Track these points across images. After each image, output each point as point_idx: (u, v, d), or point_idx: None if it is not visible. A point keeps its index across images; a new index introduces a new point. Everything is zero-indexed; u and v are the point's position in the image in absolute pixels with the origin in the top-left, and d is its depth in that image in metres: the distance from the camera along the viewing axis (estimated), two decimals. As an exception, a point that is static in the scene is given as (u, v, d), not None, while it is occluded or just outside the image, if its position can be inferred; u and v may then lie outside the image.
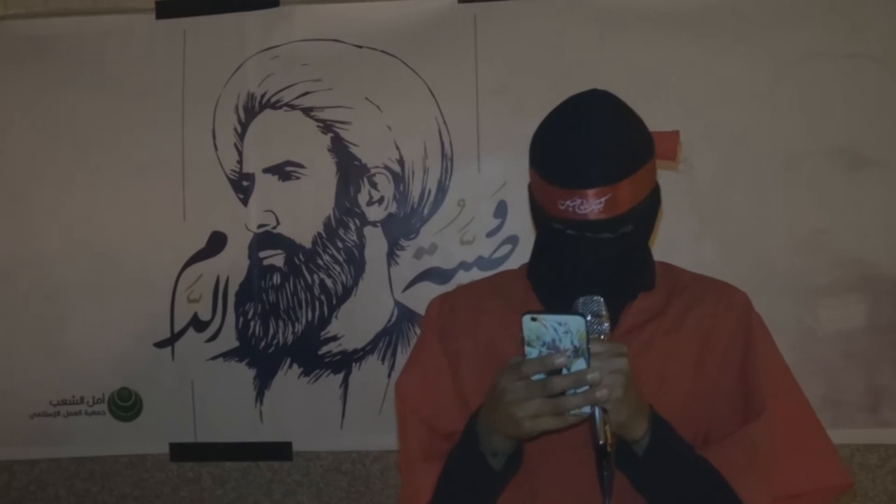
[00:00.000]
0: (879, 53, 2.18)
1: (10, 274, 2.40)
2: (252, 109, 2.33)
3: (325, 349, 2.34)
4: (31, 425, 2.42)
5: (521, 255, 2.21)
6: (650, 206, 1.31)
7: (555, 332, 1.09)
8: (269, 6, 2.35)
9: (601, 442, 1.10)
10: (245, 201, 2.34)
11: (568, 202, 1.23)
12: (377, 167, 2.31)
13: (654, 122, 2.19)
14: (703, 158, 2.23)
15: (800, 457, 1.29)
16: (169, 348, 2.38)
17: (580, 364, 1.09)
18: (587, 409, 1.10)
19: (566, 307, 1.17)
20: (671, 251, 2.19)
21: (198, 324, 2.37)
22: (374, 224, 2.32)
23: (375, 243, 2.32)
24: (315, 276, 2.32)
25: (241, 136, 2.34)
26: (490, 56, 2.28)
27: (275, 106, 2.33)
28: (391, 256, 2.31)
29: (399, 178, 2.30)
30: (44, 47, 2.39)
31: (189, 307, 2.36)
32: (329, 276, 2.32)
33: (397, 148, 2.30)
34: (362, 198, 2.31)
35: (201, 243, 2.35)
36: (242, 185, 2.34)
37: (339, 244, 2.31)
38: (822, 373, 2.21)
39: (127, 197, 2.37)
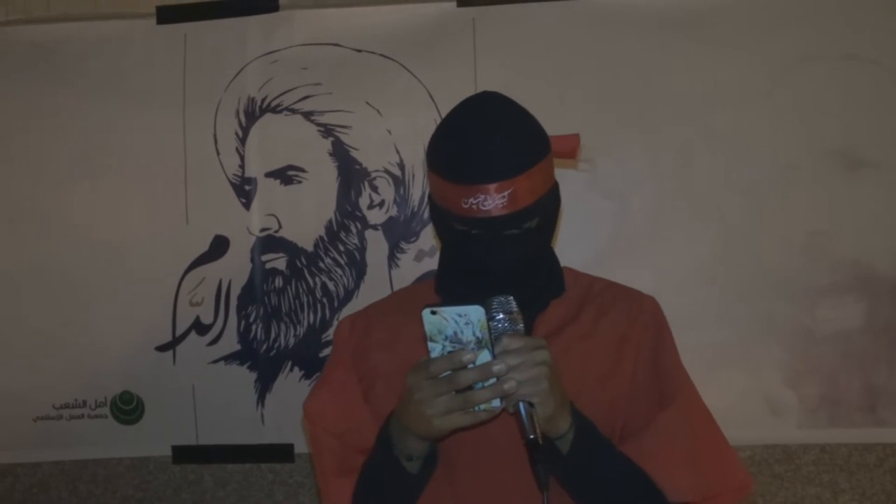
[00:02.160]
0: (876, 55, 2.19)
1: (12, 278, 2.41)
2: (253, 114, 2.34)
3: (326, 352, 2.35)
4: (35, 428, 2.43)
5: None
6: (551, 203, 1.34)
7: (456, 324, 1.09)
8: (269, 11, 2.36)
9: (532, 436, 1.10)
10: (247, 205, 2.35)
11: (472, 200, 1.24)
12: (378, 171, 2.32)
13: (652, 124, 2.22)
14: (700, 160, 2.24)
15: (705, 456, 1.32)
16: (170, 352, 2.39)
17: (485, 356, 1.10)
18: (497, 403, 1.11)
19: None
20: (668, 253, 2.22)
21: (200, 327, 2.37)
22: (375, 227, 2.33)
23: (376, 246, 2.33)
24: (317, 279, 2.34)
25: (243, 140, 2.35)
26: (489, 59, 2.29)
27: (275, 110, 2.34)
28: (392, 259, 2.33)
29: (399, 182, 2.31)
30: (45, 52, 2.39)
31: (191, 311, 2.37)
32: (331, 278, 2.33)
33: (397, 151, 2.31)
34: (363, 201, 2.32)
35: (204, 247, 2.36)
36: (244, 189, 2.35)
37: (341, 247, 2.33)
38: (820, 373, 2.22)
39: (129, 201, 2.37)
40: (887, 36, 2.20)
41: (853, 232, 2.21)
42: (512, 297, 1.17)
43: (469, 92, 2.21)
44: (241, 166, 2.35)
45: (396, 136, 2.31)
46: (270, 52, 2.35)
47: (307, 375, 2.36)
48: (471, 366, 1.10)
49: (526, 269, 1.31)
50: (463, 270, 1.35)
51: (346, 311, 2.33)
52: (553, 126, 1.88)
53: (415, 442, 1.21)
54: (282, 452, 2.39)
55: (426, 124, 2.29)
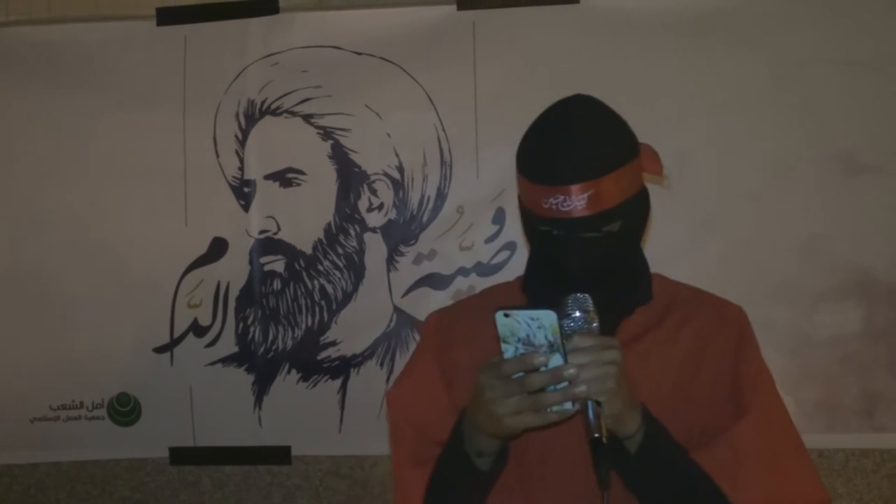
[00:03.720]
0: (877, 60, 2.20)
1: (11, 278, 2.41)
2: (252, 116, 2.35)
3: (323, 354, 2.35)
4: (32, 429, 2.43)
5: (519, 261, 2.22)
6: (637, 207, 1.33)
7: (528, 327, 1.10)
8: (269, 13, 2.36)
9: (596, 435, 1.11)
10: (246, 207, 2.35)
11: (552, 200, 1.25)
12: (377, 174, 2.32)
13: (653, 128, 2.20)
14: (700, 164, 2.24)
15: (778, 470, 1.30)
16: (168, 353, 2.39)
17: (557, 360, 1.10)
18: (569, 406, 1.11)
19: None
20: (669, 257, 2.22)
21: (197, 329, 2.37)
22: (373, 230, 2.33)
23: (375, 249, 2.33)
24: (315, 282, 2.33)
25: (242, 142, 2.35)
26: (488, 63, 2.29)
27: (275, 112, 2.34)
28: (391, 262, 2.33)
29: (398, 185, 2.31)
30: (46, 53, 2.40)
31: (189, 312, 2.37)
32: (329, 281, 2.33)
33: (397, 155, 2.31)
34: (362, 204, 2.32)
35: (202, 249, 2.36)
36: (244, 192, 2.35)
37: (340, 250, 2.33)
38: (818, 377, 2.22)
39: (129, 202, 2.38)
40: (888, 41, 2.20)
41: (852, 236, 2.21)
42: (588, 296, 1.18)
43: (468, 95, 2.28)
44: (241, 168, 2.35)
45: (396, 140, 2.31)
46: (270, 55, 2.35)
47: (305, 378, 2.36)
48: (543, 369, 1.10)
49: (606, 272, 1.31)
50: (545, 271, 1.35)
51: (345, 313, 2.34)
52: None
53: (485, 440, 1.22)
54: (279, 454, 2.39)
55: (425, 127, 2.30)
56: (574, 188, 1.23)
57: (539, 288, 1.40)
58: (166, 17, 2.39)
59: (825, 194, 2.22)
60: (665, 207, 2.24)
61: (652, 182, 1.86)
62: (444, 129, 2.29)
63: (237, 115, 2.35)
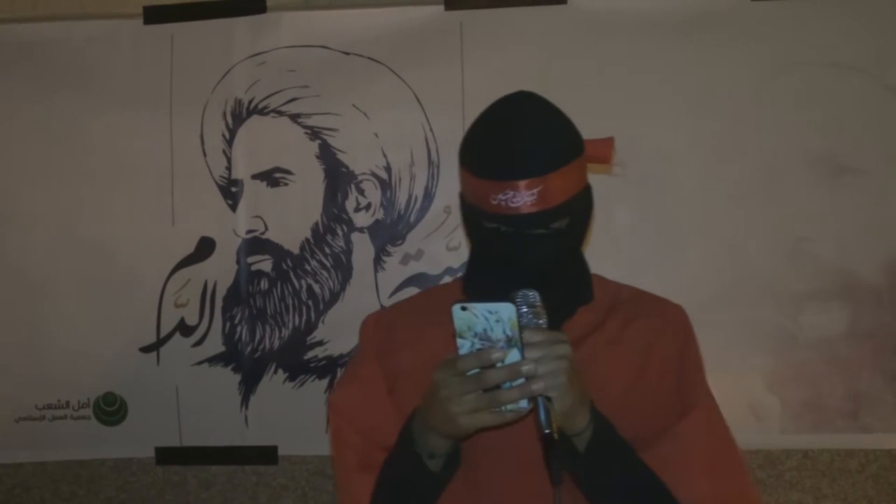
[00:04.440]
0: (861, 63, 2.21)
1: (-5, 278, 2.40)
2: (239, 115, 2.34)
3: (310, 354, 2.35)
4: (17, 429, 2.42)
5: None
6: (582, 205, 1.33)
7: (486, 321, 1.08)
8: (257, 12, 2.35)
9: (547, 431, 1.09)
10: (234, 207, 2.34)
11: (500, 196, 1.24)
12: (364, 174, 2.32)
13: (639, 130, 2.22)
14: (686, 166, 2.25)
15: (722, 466, 1.32)
16: (155, 353, 2.38)
17: (514, 355, 1.08)
18: (524, 404, 1.09)
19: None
20: (655, 258, 2.23)
21: (184, 328, 2.37)
22: (361, 230, 2.32)
23: (362, 249, 2.33)
24: (302, 282, 2.33)
25: (230, 142, 2.34)
26: (476, 63, 2.29)
27: (262, 112, 2.33)
28: (378, 262, 2.32)
29: (386, 185, 2.31)
30: (31, 52, 2.38)
31: (176, 312, 2.36)
32: (316, 281, 2.33)
33: (384, 155, 2.31)
34: (350, 204, 2.32)
35: (190, 248, 2.35)
36: (231, 191, 2.34)
37: (327, 250, 2.32)
38: (803, 378, 2.23)
39: (115, 202, 2.36)
40: (872, 44, 2.21)
41: (837, 238, 2.22)
42: (536, 292, 1.17)
43: (456, 95, 2.28)
44: (228, 168, 2.35)
45: (383, 140, 2.31)
46: (258, 54, 2.34)
47: (291, 378, 2.35)
48: (499, 364, 1.08)
49: (553, 270, 1.30)
50: (491, 269, 1.34)
51: (332, 313, 2.33)
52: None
53: (437, 440, 1.20)
54: (266, 454, 2.39)
55: (413, 127, 2.30)
56: (522, 184, 1.23)
57: (482, 287, 1.38)
58: (153, 15, 2.37)
59: (811, 196, 2.22)
60: (651, 209, 2.25)
61: (600, 172, 1.84)
62: (431, 129, 2.29)
63: (224, 114, 2.34)
